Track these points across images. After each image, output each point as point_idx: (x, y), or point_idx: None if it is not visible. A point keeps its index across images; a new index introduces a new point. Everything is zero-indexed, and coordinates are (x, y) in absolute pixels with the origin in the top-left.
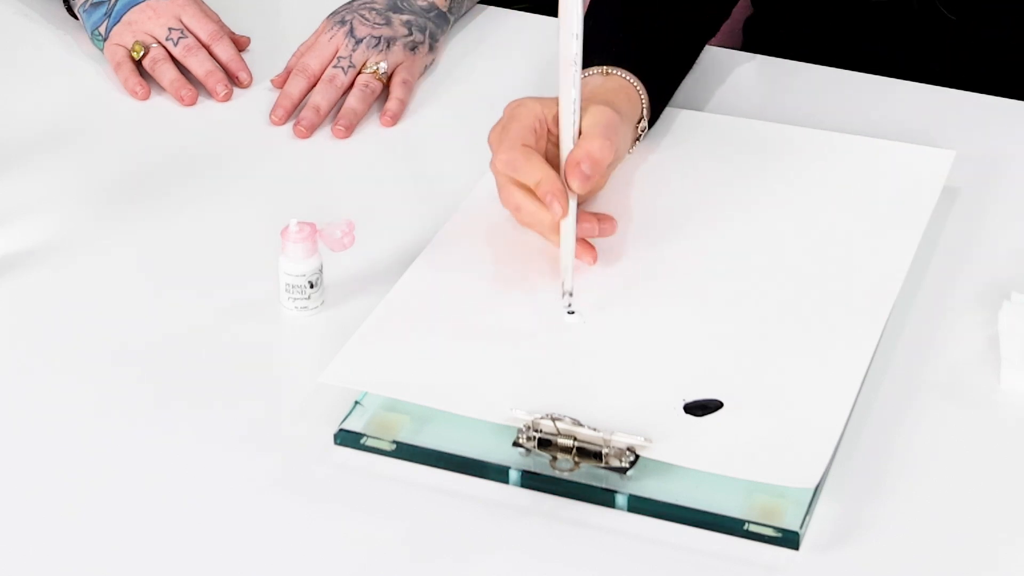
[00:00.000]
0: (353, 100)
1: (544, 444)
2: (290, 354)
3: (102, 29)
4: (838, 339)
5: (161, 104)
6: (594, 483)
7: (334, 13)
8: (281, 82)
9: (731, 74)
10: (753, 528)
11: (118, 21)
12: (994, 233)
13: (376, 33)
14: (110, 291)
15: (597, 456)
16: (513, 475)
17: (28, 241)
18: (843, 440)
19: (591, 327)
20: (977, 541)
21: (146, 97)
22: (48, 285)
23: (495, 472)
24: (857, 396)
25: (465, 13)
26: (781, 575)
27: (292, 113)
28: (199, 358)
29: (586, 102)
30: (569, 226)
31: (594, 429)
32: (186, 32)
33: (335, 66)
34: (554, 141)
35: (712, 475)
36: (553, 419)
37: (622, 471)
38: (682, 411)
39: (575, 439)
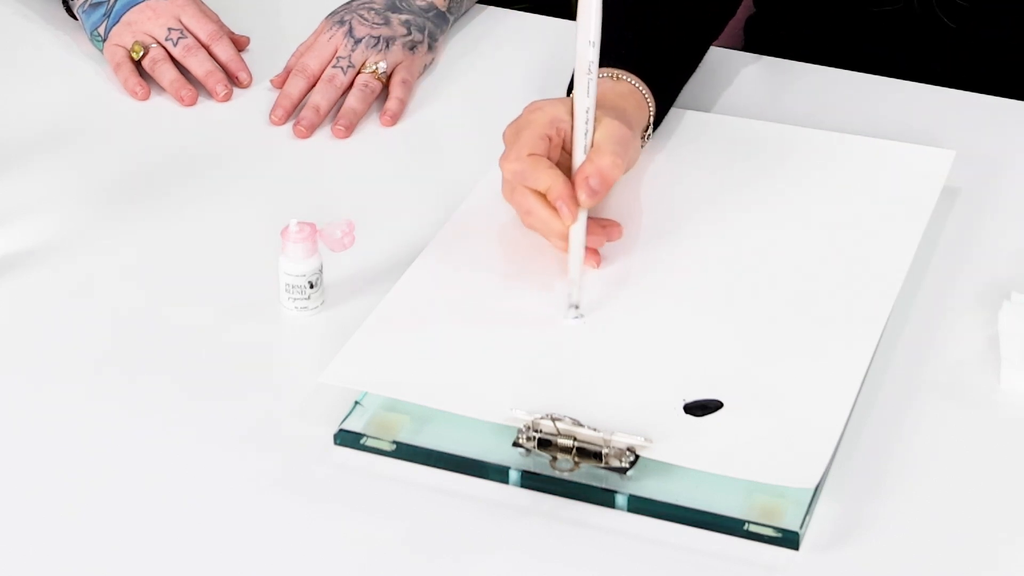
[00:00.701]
0: (353, 100)
1: (544, 444)
2: (290, 354)
3: (101, 30)
4: (838, 339)
5: (161, 104)
6: (594, 483)
7: (333, 13)
8: (281, 82)
9: (732, 74)
10: (753, 528)
11: (117, 21)
12: (994, 233)
13: (375, 33)
14: (110, 291)
15: (597, 456)
16: (513, 475)
17: (28, 241)
18: (843, 440)
19: (591, 327)
20: (977, 541)
21: (146, 97)
22: (48, 285)
23: (495, 472)
24: (857, 396)
25: (464, 13)
26: (781, 575)
27: (292, 113)
28: (199, 358)
29: (598, 109)
30: (578, 238)
31: (594, 429)
32: (186, 32)
33: (334, 66)
34: (568, 148)
35: (712, 475)
36: (553, 419)
37: (622, 471)
38: (682, 411)
39: (575, 439)
